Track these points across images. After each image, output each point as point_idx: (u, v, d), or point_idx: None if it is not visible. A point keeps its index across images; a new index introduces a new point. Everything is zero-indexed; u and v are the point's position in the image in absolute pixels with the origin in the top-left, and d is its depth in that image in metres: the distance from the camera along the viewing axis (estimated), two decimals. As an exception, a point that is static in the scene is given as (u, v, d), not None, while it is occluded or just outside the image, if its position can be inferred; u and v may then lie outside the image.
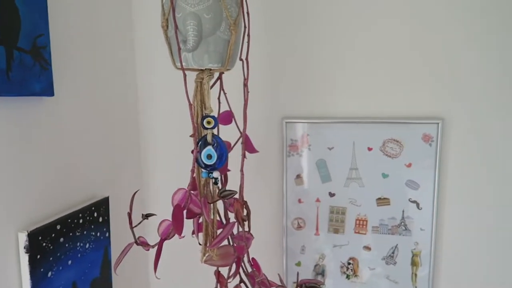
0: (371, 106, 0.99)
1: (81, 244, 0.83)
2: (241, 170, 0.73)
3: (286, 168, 1.04)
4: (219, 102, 0.82)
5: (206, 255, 0.80)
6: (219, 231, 0.79)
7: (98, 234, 0.89)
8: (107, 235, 0.92)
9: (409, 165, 0.98)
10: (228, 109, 0.82)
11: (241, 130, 0.82)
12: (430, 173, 0.97)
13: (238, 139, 0.79)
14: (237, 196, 0.74)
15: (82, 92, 0.86)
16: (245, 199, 0.73)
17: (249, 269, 0.82)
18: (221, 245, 0.78)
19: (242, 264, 0.83)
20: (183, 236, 0.65)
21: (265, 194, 1.08)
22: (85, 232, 0.84)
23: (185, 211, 0.76)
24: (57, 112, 0.79)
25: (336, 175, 1.02)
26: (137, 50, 1.09)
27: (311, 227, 1.05)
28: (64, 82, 0.80)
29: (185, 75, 0.66)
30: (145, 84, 1.10)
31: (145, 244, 0.72)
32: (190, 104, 0.67)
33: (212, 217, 0.77)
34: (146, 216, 0.76)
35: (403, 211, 1.00)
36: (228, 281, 0.85)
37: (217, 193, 0.74)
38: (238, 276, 0.83)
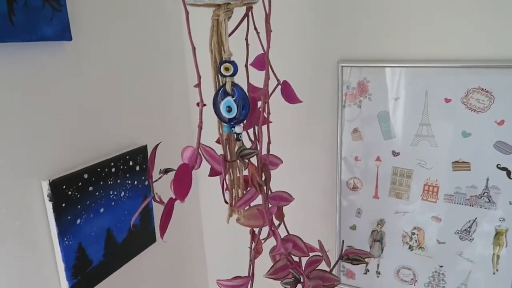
0: (450, 46, 0.76)
1: (115, 193, 0.82)
2: (260, 128, 0.61)
3: (341, 121, 0.88)
4: (247, 44, 0.69)
5: (235, 215, 0.73)
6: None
7: (136, 182, 0.88)
8: (146, 183, 0.91)
9: (501, 123, 0.75)
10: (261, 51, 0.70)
11: (277, 76, 0.70)
12: (531, 134, 0.74)
13: (274, 89, 0.66)
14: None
15: (108, 33, 0.80)
16: (264, 162, 0.62)
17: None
18: (252, 205, 0.71)
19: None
20: (184, 201, 0.58)
21: (317, 150, 0.95)
22: (119, 181, 0.83)
23: (209, 168, 0.69)
24: (79, 57, 0.74)
25: (401, 131, 0.84)
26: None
27: (369, 189, 0.91)
28: (84, 25, 0.75)
29: (187, 12, 0.55)
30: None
31: (161, 202, 0.67)
32: (193, 48, 0.56)
33: (236, 176, 0.69)
34: (165, 172, 0.70)
35: (487, 179, 0.79)
36: (259, 244, 0.78)
37: (236, 151, 0.65)
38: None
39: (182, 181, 0.58)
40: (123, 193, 0.84)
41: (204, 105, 0.58)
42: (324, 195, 0.97)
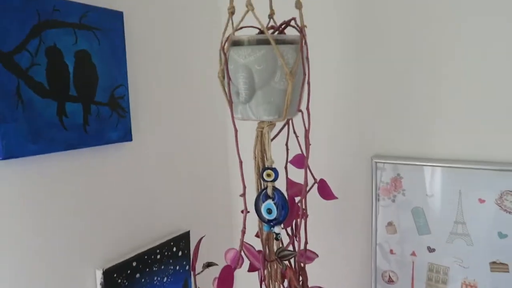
0: (484, 148, 0.80)
1: (159, 279, 0.87)
2: (298, 231, 0.66)
3: (376, 214, 0.91)
4: (287, 149, 0.76)
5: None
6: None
7: (177, 267, 0.92)
8: (187, 268, 0.95)
9: (538, 226, 0.76)
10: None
11: (314, 176, 0.75)
12: None
13: (303, 193, 0.71)
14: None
15: (162, 134, 0.90)
16: (302, 265, 0.66)
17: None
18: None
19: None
20: (227, 302, 0.61)
21: (352, 242, 0.97)
22: (163, 267, 0.88)
23: (248, 264, 0.73)
24: (136, 155, 0.83)
25: (436, 227, 0.86)
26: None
27: (405, 283, 0.91)
28: (143, 127, 0.85)
29: (236, 130, 0.62)
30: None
31: (203, 295, 0.71)
32: (240, 162, 0.63)
33: (274, 272, 0.72)
34: (208, 266, 0.75)
35: (528, 282, 0.78)
36: None
37: (275, 252, 0.69)
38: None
39: (225, 282, 0.62)
40: (165, 279, 0.89)
41: (248, 212, 0.64)
42: (359, 286, 0.97)
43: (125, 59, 0.76)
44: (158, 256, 0.87)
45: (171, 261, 0.90)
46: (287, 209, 0.67)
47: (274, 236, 0.70)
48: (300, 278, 0.65)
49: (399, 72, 0.86)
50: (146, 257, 0.83)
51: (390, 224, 0.91)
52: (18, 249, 0.63)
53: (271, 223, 0.67)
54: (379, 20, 0.87)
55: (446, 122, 0.83)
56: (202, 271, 0.74)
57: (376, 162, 0.90)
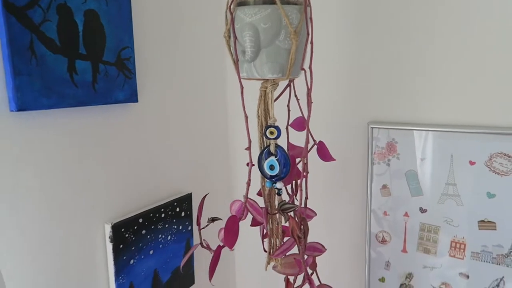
0: (475, 112, 0.83)
1: (163, 236, 0.91)
2: (299, 186, 0.69)
3: (371, 177, 0.95)
4: (289, 110, 0.79)
5: (272, 263, 0.79)
6: (286, 239, 0.78)
7: (180, 227, 0.96)
8: (189, 228, 0.99)
9: (524, 186, 0.81)
10: (300, 115, 0.79)
11: (314, 137, 0.78)
12: (554, 198, 0.78)
13: (304, 150, 0.75)
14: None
15: (167, 97, 0.93)
16: (303, 216, 0.70)
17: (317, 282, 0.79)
18: (288, 254, 0.77)
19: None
20: (233, 249, 0.65)
21: (347, 203, 1.01)
22: (167, 225, 0.92)
23: (251, 218, 0.77)
24: (142, 116, 0.86)
25: (428, 189, 0.90)
26: (227, 54, 1.12)
27: (397, 243, 0.96)
28: (148, 89, 0.87)
29: (242, 87, 0.65)
30: (233, 88, 1.13)
31: (208, 248, 0.75)
32: (245, 117, 0.66)
33: (275, 227, 0.76)
34: (212, 220, 0.79)
35: (513, 239, 0.83)
36: (295, 290, 0.84)
37: (277, 205, 0.72)
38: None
39: (231, 231, 0.66)
40: (169, 237, 0.93)
41: (253, 165, 0.67)
42: (354, 247, 1.02)
43: (131, 21, 0.78)
44: (163, 215, 0.90)
45: (174, 220, 0.94)
46: (289, 165, 0.70)
47: (276, 191, 0.74)
48: (302, 228, 0.68)
49: (394, 41, 0.89)
50: (151, 214, 0.87)
51: (384, 187, 0.95)
52: (30, 202, 0.66)
53: (273, 179, 0.71)
54: (378, -12, 0.90)
55: (438, 89, 0.86)
56: (207, 225, 0.78)
57: (372, 128, 0.93)
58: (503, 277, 0.85)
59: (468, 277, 0.89)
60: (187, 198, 0.98)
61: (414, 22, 0.87)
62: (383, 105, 0.93)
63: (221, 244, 0.72)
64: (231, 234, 0.65)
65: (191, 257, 1.01)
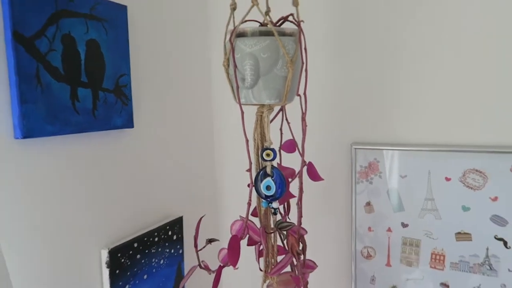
0: (449, 132, 0.92)
1: (156, 260, 0.91)
2: (298, 203, 0.73)
3: (355, 195, 1.01)
4: (281, 133, 0.84)
5: (267, 281, 0.82)
6: (281, 257, 0.80)
7: (172, 251, 0.97)
8: (180, 251, 1.00)
9: (495, 199, 0.88)
10: (291, 137, 0.84)
11: (300, 165, 0.83)
12: (521, 209, 0.86)
13: (300, 171, 0.79)
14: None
15: (160, 123, 0.95)
16: (301, 233, 0.73)
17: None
18: (282, 272, 0.80)
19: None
20: (237, 268, 0.67)
21: (333, 221, 1.06)
22: (159, 249, 0.92)
23: (246, 238, 0.79)
24: (137, 141, 0.88)
25: (409, 204, 0.96)
26: (213, 81, 1.16)
27: (381, 257, 1.01)
28: (143, 115, 0.89)
29: (242, 112, 0.69)
30: (219, 115, 1.17)
31: (207, 269, 0.77)
32: (246, 140, 0.69)
33: (271, 246, 0.79)
34: (210, 241, 0.80)
35: (487, 249, 0.90)
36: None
37: (275, 224, 0.76)
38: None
39: (234, 250, 0.68)
40: (162, 261, 0.93)
41: (253, 186, 0.71)
42: (340, 263, 1.06)
43: (128, 49, 0.81)
44: (156, 239, 0.91)
45: (167, 244, 0.95)
46: (284, 186, 0.74)
47: (272, 211, 0.77)
48: (300, 246, 0.72)
49: (374, 71, 0.97)
50: (145, 239, 0.88)
51: (368, 204, 1.01)
52: (28, 227, 0.66)
53: (269, 199, 0.74)
54: (357, 26, 0.97)
55: (415, 112, 0.94)
56: (204, 247, 0.79)
57: (355, 148, 0.99)
58: (479, 285, 0.92)
59: (448, 286, 0.95)
60: (179, 221, 0.99)
61: (392, 49, 0.95)
62: (365, 128, 0.99)
63: (221, 264, 0.74)
64: (234, 253, 0.68)
65: (182, 279, 1.01)
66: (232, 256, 0.67)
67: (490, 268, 0.90)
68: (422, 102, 0.93)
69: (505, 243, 0.89)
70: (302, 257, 0.72)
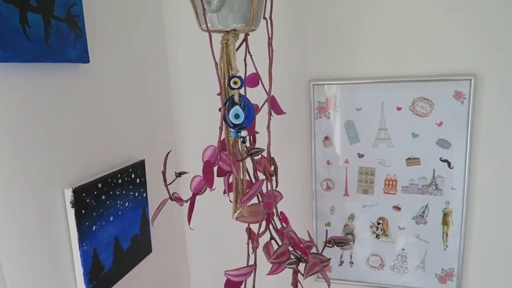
0: (398, 65, 0.97)
1: (121, 203, 0.89)
2: (268, 128, 0.75)
3: (314, 131, 1.05)
4: (245, 64, 0.83)
5: (237, 212, 0.84)
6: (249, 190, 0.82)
7: (136, 194, 0.95)
8: (144, 195, 0.98)
9: (440, 124, 0.96)
10: (254, 71, 0.84)
11: (268, 91, 0.84)
12: (462, 132, 0.95)
13: (266, 100, 0.80)
14: (264, 154, 0.76)
15: (116, 59, 0.90)
16: (272, 156, 0.75)
17: (279, 225, 0.85)
18: (251, 203, 0.82)
19: (272, 221, 0.87)
20: (214, 189, 0.68)
21: (293, 157, 1.10)
22: (124, 192, 0.90)
23: (215, 169, 0.80)
24: (93, 78, 0.83)
25: (364, 136, 1.02)
26: (165, 14, 1.12)
27: (340, 188, 1.07)
28: (98, 50, 0.85)
29: (210, 36, 0.68)
30: (174, 47, 1.13)
31: (179, 200, 0.77)
32: (216, 64, 0.69)
33: (241, 175, 0.81)
34: (179, 174, 0.80)
35: (433, 171, 0.99)
36: (259, 237, 0.89)
37: (245, 151, 0.77)
38: (268, 232, 0.86)
39: (209, 174, 0.68)
40: (127, 204, 0.91)
41: (225, 110, 0.71)
42: (301, 197, 1.11)
43: (78, -24, 0.75)
44: (120, 181, 0.88)
45: (130, 187, 0.93)
46: (253, 113, 0.75)
47: (241, 140, 0.78)
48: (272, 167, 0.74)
49: (331, 9, 0.99)
50: (109, 180, 0.85)
51: (326, 138, 1.05)
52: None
53: (237, 128, 0.75)
54: (311, -44, 0.98)
55: (367, 48, 0.98)
56: (174, 180, 0.79)
57: (313, 85, 1.02)
58: (427, 204, 1.01)
59: (400, 209, 1.04)
60: (141, 165, 0.97)
61: (344, -14, 0.97)
62: (322, 64, 1.02)
63: (194, 192, 0.74)
64: (209, 175, 0.68)
65: (148, 227, 1.00)
66: (208, 179, 0.68)
67: (436, 188, 1.00)
68: (375, 37, 0.98)
69: (449, 164, 0.98)
70: (274, 178, 0.74)
